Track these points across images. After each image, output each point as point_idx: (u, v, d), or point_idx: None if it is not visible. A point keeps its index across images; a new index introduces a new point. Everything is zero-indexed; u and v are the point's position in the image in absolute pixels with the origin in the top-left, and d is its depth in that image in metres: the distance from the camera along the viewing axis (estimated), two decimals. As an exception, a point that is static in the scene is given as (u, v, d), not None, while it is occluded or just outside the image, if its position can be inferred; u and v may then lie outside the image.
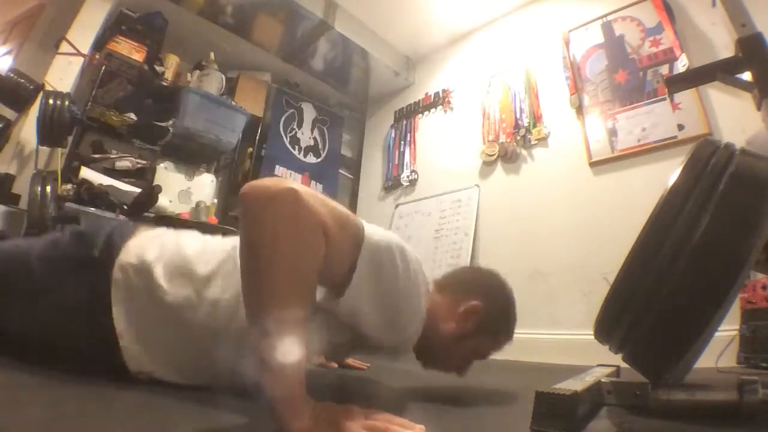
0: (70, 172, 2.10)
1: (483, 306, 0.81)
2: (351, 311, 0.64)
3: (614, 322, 0.71)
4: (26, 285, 0.69)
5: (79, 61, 2.21)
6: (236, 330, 0.65)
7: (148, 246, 0.72)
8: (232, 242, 0.75)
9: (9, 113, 2.10)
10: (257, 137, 3.04)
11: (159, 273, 0.69)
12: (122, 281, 0.68)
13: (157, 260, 0.70)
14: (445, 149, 2.90)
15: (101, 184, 2.09)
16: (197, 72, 2.76)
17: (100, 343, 0.67)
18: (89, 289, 0.68)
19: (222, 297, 0.67)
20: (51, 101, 1.86)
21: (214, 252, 0.73)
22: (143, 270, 0.69)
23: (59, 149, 2.05)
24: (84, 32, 2.26)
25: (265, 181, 0.54)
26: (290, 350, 0.48)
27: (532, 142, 2.43)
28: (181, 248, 0.73)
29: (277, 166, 3.05)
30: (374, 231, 0.64)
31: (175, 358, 0.70)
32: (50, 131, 1.86)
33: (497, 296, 0.88)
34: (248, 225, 0.52)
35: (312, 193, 0.55)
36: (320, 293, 0.62)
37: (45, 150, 2.05)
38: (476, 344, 0.84)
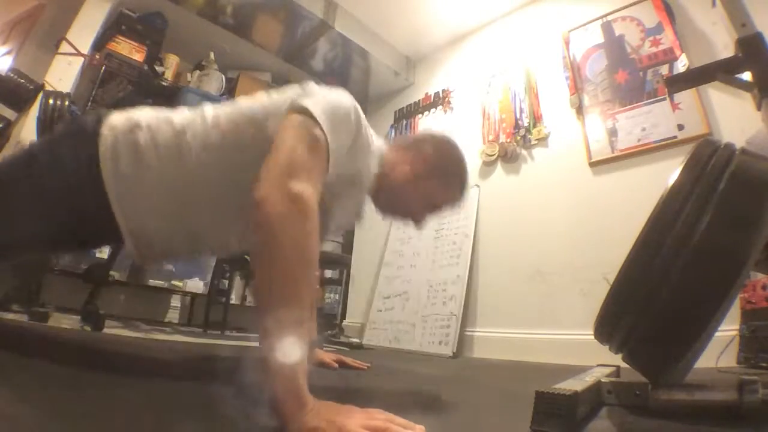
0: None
1: (433, 151, 0.92)
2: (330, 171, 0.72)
3: (614, 322, 0.71)
4: (29, 169, 0.75)
5: (79, 61, 2.21)
6: (208, 182, 0.77)
7: (130, 113, 0.82)
8: (200, 110, 0.84)
9: (9, 113, 2.10)
10: (257, 137, 3.04)
11: (143, 125, 0.78)
12: (109, 136, 0.76)
13: (140, 118, 0.80)
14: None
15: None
16: (197, 72, 2.76)
17: (93, 208, 0.74)
18: (84, 155, 0.75)
19: (193, 144, 0.77)
20: (51, 101, 1.86)
21: (185, 113, 0.84)
22: (128, 125, 0.78)
23: (59, 149, 2.05)
24: (84, 32, 2.26)
25: (272, 188, 0.58)
26: (295, 349, 0.49)
27: (532, 142, 2.43)
28: (159, 112, 0.84)
29: (277, 166, 3.05)
30: (329, 124, 0.69)
31: (163, 217, 0.77)
32: (50, 131, 1.86)
33: (447, 147, 0.97)
34: (261, 236, 0.57)
35: (302, 168, 0.61)
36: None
37: (45, 150, 2.04)
38: (429, 188, 0.92)
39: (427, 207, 0.95)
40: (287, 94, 0.79)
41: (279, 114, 0.74)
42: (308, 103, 0.69)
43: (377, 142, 0.89)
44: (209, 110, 0.83)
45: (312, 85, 0.78)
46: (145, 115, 0.82)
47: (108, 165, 0.74)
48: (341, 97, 0.77)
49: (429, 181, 0.91)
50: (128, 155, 0.75)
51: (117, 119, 0.80)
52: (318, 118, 0.67)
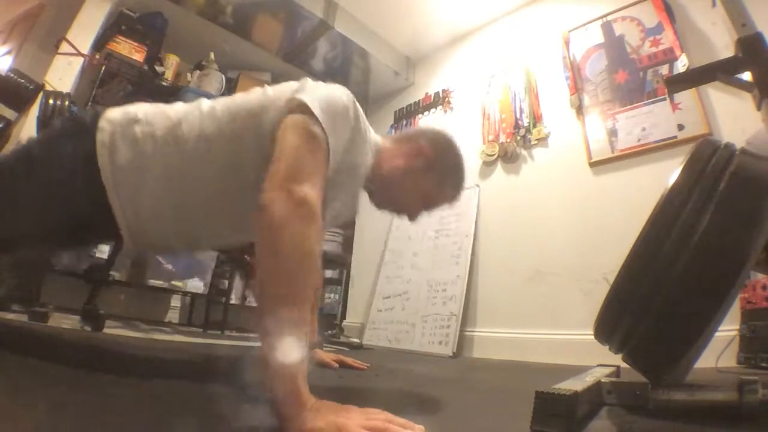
0: (70, 172, 2.10)
1: (430, 147, 0.92)
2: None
3: (614, 322, 0.71)
4: (27, 165, 0.75)
5: (79, 61, 2.21)
6: (202, 169, 0.77)
7: (127, 107, 0.83)
8: (197, 103, 0.86)
9: (9, 113, 2.10)
10: (257, 137, 3.04)
11: (140, 117, 0.79)
12: (108, 130, 0.77)
13: (136, 110, 0.81)
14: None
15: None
16: (197, 72, 2.76)
17: (95, 205, 0.75)
18: (82, 150, 0.75)
19: (189, 135, 0.78)
20: (51, 101, 1.86)
21: (182, 105, 0.85)
22: (125, 117, 0.79)
23: (59, 149, 2.05)
24: (84, 32, 2.26)
25: (277, 192, 0.59)
26: (295, 350, 0.50)
27: (532, 142, 2.43)
28: (154, 105, 0.85)
29: (277, 166, 3.05)
30: (328, 120, 0.69)
31: (160, 209, 0.78)
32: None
33: (444, 142, 0.96)
34: (266, 238, 0.58)
35: (305, 170, 0.63)
36: None
37: (45, 150, 2.04)
38: (424, 183, 0.92)
39: (422, 201, 0.95)
40: (284, 89, 0.80)
41: (276, 107, 0.75)
42: (307, 99, 0.69)
43: (373, 134, 0.90)
44: (205, 103, 0.84)
45: (308, 81, 0.79)
46: (142, 108, 0.83)
47: (105, 157, 0.75)
48: (338, 92, 0.77)
49: (424, 175, 0.91)
50: (125, 147, 0.76)
51: (114, 113, 0.81)
52: (317, 116, 0.68)
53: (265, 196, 0.59)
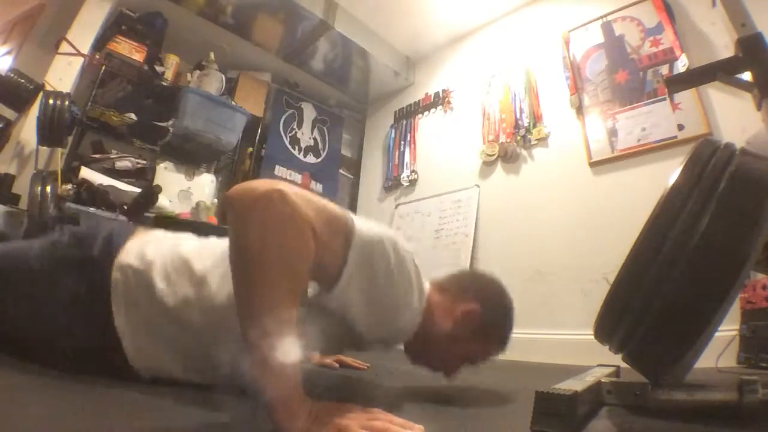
0: (70, 172, 2.10)
1: (481, 311, 0.80)
2: (341, 305, 0.64)
3: (614, 322, 0.71)
4: (26, 285, 0.70)
5: (79, 61, 2.21)
6: (234, 328, 0.62)
7: (146, 247, 0.73)
8: (227, 242, 0.75)
9: (9, 113, 2.10)
10: (257, 137, 3.04)
11: (157, 272, 0.70)
12: (121, 281, 0.69)
13: (154, 260, 0.71)
14: (445, 149, 2.90)
15: (101, 184, 2.09)
16: (197, 72, 2.76)
17: (101, 343, 0.68)
18: (88, 288, 0.68)
19: (218, 296, 0.67)
20: (51, 101, 1.86)
21: (210, 250, 0.74)
22: (142, 270, 0.70)
23: (59, 149, 2.05)
24: (84, 32, 2.26)
25: (252, 183, 0.55)
26: (285, 351, 0.48)
27: (532, 142, 2.43)
28: (178, 248, 0.74)
29: (277, 166, 3.05)
30: (365, 226, 0.63)
31: (177, 356, 0.70)
32: (50, 131, 1.87)
33: (497, 303, 0.87)
34: (236, 227, 0.53)
35: (299, 192, 0.55)
36: (312, 289, 0.63)
37: (45, 150, 2.05)
38: (469, 348, 0.83)
39: (464, 362, 0.85)
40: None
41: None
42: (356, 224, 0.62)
43: (425, 288, 0.78)
44: None
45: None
46: (161, 252, 0.73)
47: (121, 315, 0.68)
48: (388, 231, 0.69)
49: (470, 343, 0.82)
50: (141, 298, 0.68)
51: (129, 258, 0.71)
52: (356, 226, 0.60)
53: (232, 188, 0.55)
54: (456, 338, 0.80)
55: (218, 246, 0.76)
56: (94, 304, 0.68)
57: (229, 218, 0.53)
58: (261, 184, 0.54)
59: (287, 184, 0.56)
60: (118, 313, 0.67)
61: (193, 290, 0.69)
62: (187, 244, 0.77)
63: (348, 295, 0.62)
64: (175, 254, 0.73)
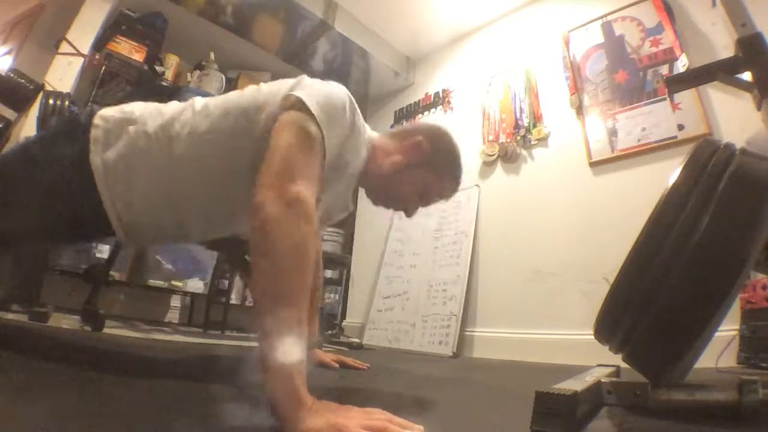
0: (70, 172, 2.10)
1: (427, 143, 0.90)
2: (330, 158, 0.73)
3: (614, 323, 0.71)
4: (24, 163, 0.77)
5: (79, 61, 2.21)
6: (197, 167, 0.77)
7: (122, 105, 0.84)
8: (191, 101, 0.86)
9: (9, 113, 2.10)
10: (257, 137, 3.04)
11: (136, 116, 0.80)
12: (101, 126, 0.78)
13: (133, 109, 0.82)
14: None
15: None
16: (197, 72, 2.76)
17: (89, 201, 0.75)
18: (76, 147, 0.76)
19: (181, 133, 0.78)
20: (51, 101, 1.86)
21: (176, 104, 0.86)
22: (119, 117, 0.80)
23: (59, 149, 2.05)
24: (84, 32, 2.26)
25: (271, 191, 0.59)
26: (290, 350, 0.49)
27: (532, 142, 2.43)
28: (147, 104, 0.86)
29: (277, 166, 3.05)
30: (322, 115, 0.69)
31: (151, 203, 0.79)
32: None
33: (441, 136, 0.96)
34: (260, 237, 0.58)
35: (308, 178, 0.62)
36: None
37: (45, 150, 2.04)
38: (420, 179, 0.91)
39: (419, 196, 0.94)
40: (280, 86, 0.79)
41: (272, 103, 0.74)
42: (303, 96, 0.69)
43: (369, 131, 0.90)
44: (199, 101, 0.84)
45: (305, 78, 0.79)
46: (138, 106, 0.84)
47: (97, 152, 0.76)
48: (336, 89, 0.77)
49: (420, 170, 0.91)
50: (117, 143, 0.78)
51: (108, 111, 0.82)
52: (314, 113, 0.68)
53: (257, 195, 0.59)
54: (406, 169, 0.90)
55: (186, 104, 0.85)
56: (80, 165, 0.75)
57: (256, 227, 0.58)
58: (289, 191, 0.59)
59: (293, 167, 0.62)
60: (94, 156, 0.76)
61: (162, 128, 0.79)
62: (155, 103, 0.87)
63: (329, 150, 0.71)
64: (148, 106, 0.84)
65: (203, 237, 1.02)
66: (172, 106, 0.84)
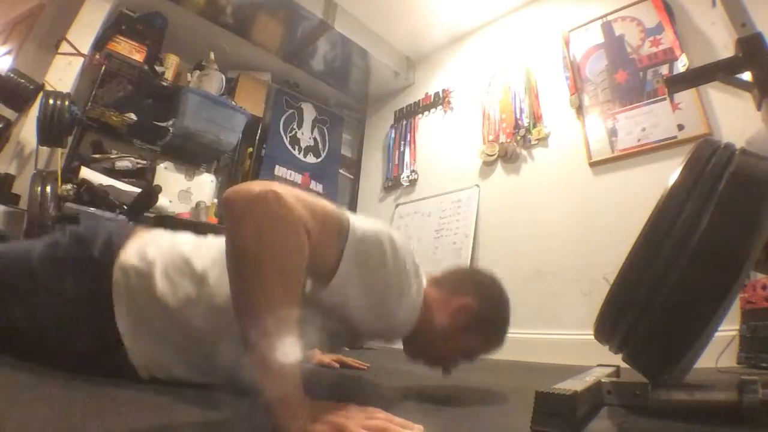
0: (70, 172, 2.10)
1: (477, 305, 0.80)
2: (339, 300, 0.65)
3: (614, 322, 0.71)
4: (27, 286, 0.69)
5: (79, 61, 2.21)
6: (234, 327, 0.62)
7: (146, 247, 0.74)
8: (220, 248, 0.75)
9: (9, 113, 2.10)
10: (257, 137, 3.04)
11: (158, 272, 0.70)
12: (123, 281, 0.69)
13: (155, 260, 0.71)
14: (445, 149, 2.90)
15: (101, 184, 2.09)
16: (197, 72, 2.76)
17: (103, 343, 0.68)
18: (90, 288, 0.69)
19: (218, 293, 0.67)
20: (51, 101, 1.86)
21: (209, 248, 0.75)
22: (143, 269, 0.70)
23: (59, 149, 2.05)
24: (84, 32, 2.26)
25: (248, 184, 0.55)
26: (284, 350, 0.48)
27: (532, 142, 2.43)
28: (177, 247, 0.75)
29: (277, 166, 3.05)
30: (362, 222, 0.64)
31: (178, 355, 0.71)
32: (50, 131, 1.86)
33: (493, 298, 0.87)
34: (231, 228, 0.54)
35: (295, 193, 0.57)
36: (309, 285, 0.63)
37: (45, 150, 2.05)
38: (466, 343, 0.83)
39: (462, 357, 0.86)
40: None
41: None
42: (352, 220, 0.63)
43: (422, 283, 0.78)
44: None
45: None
46: (161, 251, 0.73)
47: (122, 306, 0.68)
48: (383, 227, 0.69)
49: (467, 337, 0.82)
50: (142, 296, 0.69)
51: (130, 256, 0.71)
52: (352, 223, 0.62)
53: (229, 190, 0.55)
54: (452, 333, 0.80)
55: (216, 244, 0.76)
56: (95, 305, 0.68)
57: (225, 219, 0.54)
58: (257, 186, 0.54)
59: (283, 185, 0.57)
60: (119, 313, 0.68)
61: (194, 289, 0.69)
62: (186, 242, 0.77)
63: (345, 290, 0.63)
64: (175, 253, 0.73)
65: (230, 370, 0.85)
66: (202, 257, 0.73)
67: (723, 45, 1.75)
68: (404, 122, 3.26)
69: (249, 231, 0.52)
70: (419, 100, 3.23)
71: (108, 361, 0.68)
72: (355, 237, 0.62)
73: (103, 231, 0.75)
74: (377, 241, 0.65)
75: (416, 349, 0.86)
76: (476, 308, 0.80)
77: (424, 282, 0.81)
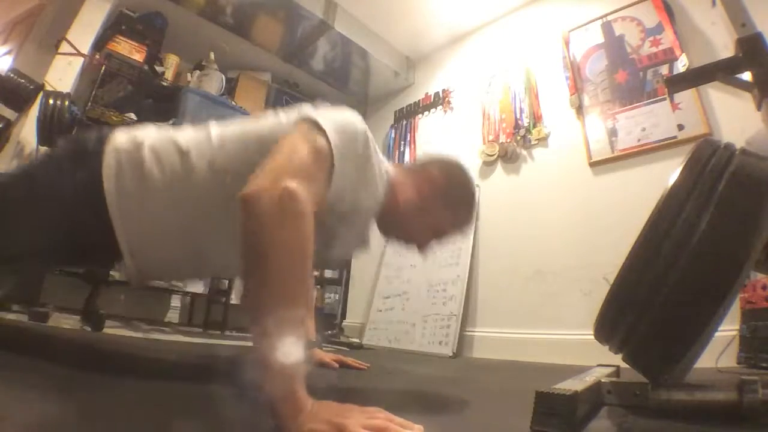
0: (70, 172, 2.10)
1: (442, 179, 0.88)
2: (339, 195, 0.71)
3: (614, 323, 0.71)
4: (27, 186, 0.75)
5: (79, 61, 2.21)
6: (215, 201, 0.74)
7: (135, 131, 0.81)
8: (206, 129, 0.83)
9: (9, 113, 2.10)
10: (257, 137, 3.04)
11: (146, 149, 0.77)
12: (113, 162, 0.75)
13: (144, 140, 0.78)
14: (445, 149, 2.90)
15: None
16: (197, 72, 2.76)
17: (96, 232, 0.73)
18: (83, 176, 0.73)
19: (199, 166, 0.75)
20: (51, 101, 1.86)
21: (190, 132, 0.82)
22: (131, 150, 0.77)
23: (59, 149, 2.05)
24: (84, 32, 2.26)
25: (267, 182, 0.57)
26: (291, 350, 0.49)
27: (532, 142, 2.43)
28: (163, 130, 0.83)
29: (277, 166, 3.05)
30: (333, 125, 0.69)
31: (167, 237, 0.76)
32: (50, 131, 1.86)
33: (457, 174, 0.93)
34: (251, 232, 0.56)
35: (301, 171, 0.60)
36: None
37: (45, 150, 2.04)
38: (435, 217, 0.88)
39: (433, 233, 0.91)
40: (296, 112, 0.77)
41: (287, 132, 0.72)
42: (318, 117, 0.69)
43: (385, 165, 0.86)
44: (214, 130, 0.81)
45: (324, 106, 0.77)
46: (149, 134, 0.80)
47: (111, 184, 0.73)
48: (352, 117, 0.75)
49: (435, 207, 0.88)
50: (132, 174, 0.74)
51: (120, 138, 0.78)
52: (326, 130, 0.67)
53: (252, 186, 0.57)
54: (422, 207, 0.87)
55: (194, 130, 0.82)
56: (89, 191, 0.72)
57: (244, 220, 0.56)
58: (273, 186, 0.57)
59: (293, 167, 0.60)
60: (110, 196, 0.72)
61: (178, 158, 0.76)
62: (171, 129, 0.84)
63: (340, 185, 0.69)
64: (162, 133, 0.81)
65: (219, 272, 1.00)
66: (188, 135, 0.81)
67: (723, 45, 1.74)
68: (404, 122, 3.26)
69: (268, 238, 0.55)
70: (419, 100, 3.23)
71: (102, 252, 0.75)
72: (339, 152, 0.68)
73: (97, 132, 0.81)
74: (351, 137, 0.71)
75: (390, 228, 0.91)
76: (441, 182, 0.88)
77: (390, 168, 0.89)
